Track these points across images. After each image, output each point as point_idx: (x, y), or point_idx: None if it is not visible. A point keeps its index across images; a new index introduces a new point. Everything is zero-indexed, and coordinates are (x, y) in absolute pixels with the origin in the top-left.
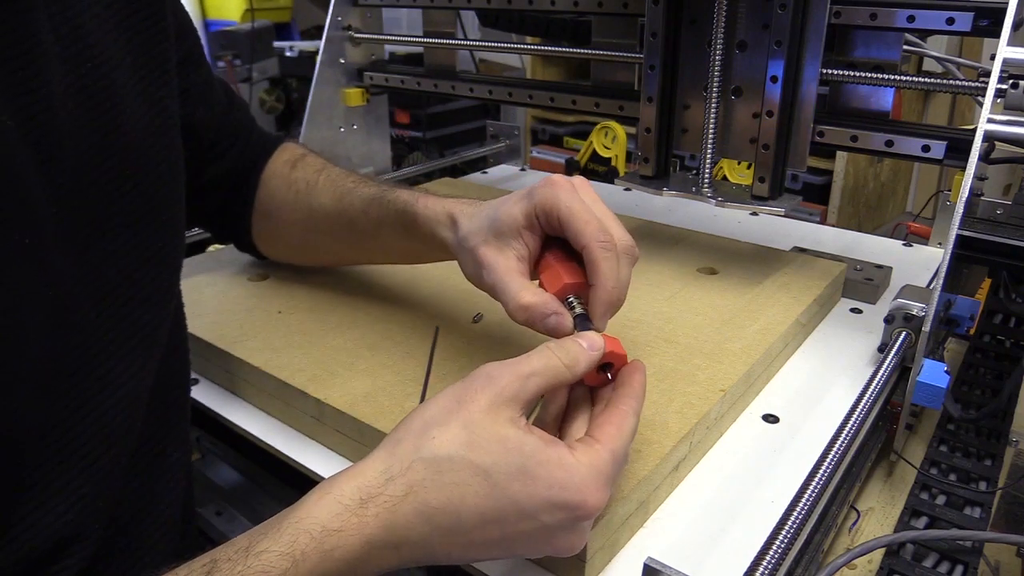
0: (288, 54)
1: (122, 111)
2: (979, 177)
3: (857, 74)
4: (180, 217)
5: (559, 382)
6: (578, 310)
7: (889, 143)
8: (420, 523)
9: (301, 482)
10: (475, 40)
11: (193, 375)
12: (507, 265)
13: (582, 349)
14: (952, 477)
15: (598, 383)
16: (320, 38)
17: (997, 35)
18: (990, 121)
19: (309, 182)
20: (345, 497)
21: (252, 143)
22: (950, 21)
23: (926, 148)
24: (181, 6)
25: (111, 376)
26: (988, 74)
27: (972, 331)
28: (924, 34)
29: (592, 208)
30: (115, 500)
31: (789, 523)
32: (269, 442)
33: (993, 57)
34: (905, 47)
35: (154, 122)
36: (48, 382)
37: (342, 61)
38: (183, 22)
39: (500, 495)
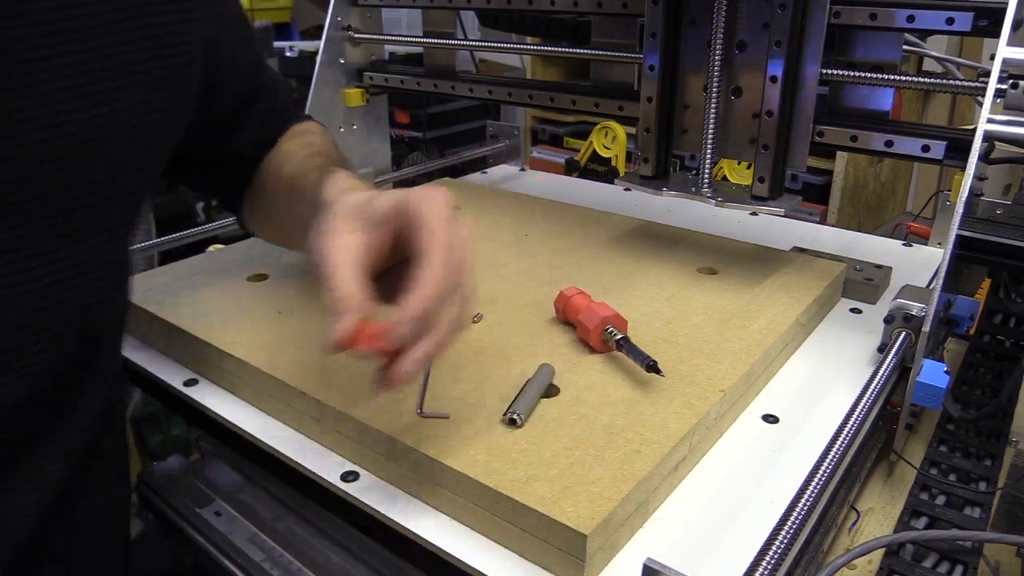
0: (288, 54)
1: (39, 118)
2: (979, 177)
3: (857, 74)
4: (124, 221)
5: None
6: (617, 336)
7: (889, 143)
8: None
9: (301, 482)
10: (475, 40)
11: (193, 375)
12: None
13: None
14: (952, 477)
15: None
16: (320, 38)
17: (997, 35)
18: (990, 121)
19: (275, 191)
20: None
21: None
22: (950, 21)
23: (926, 148)
24: None
25: None
26: (988, 74)
27: (972, 331)
28: (924, 34)
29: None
30: None
31: (789, 523)
32: (268, 442)
33: (993, 57)
34: (905, 47)
35: (90, 124)
36: None
37: (342, 61)
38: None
39: None
